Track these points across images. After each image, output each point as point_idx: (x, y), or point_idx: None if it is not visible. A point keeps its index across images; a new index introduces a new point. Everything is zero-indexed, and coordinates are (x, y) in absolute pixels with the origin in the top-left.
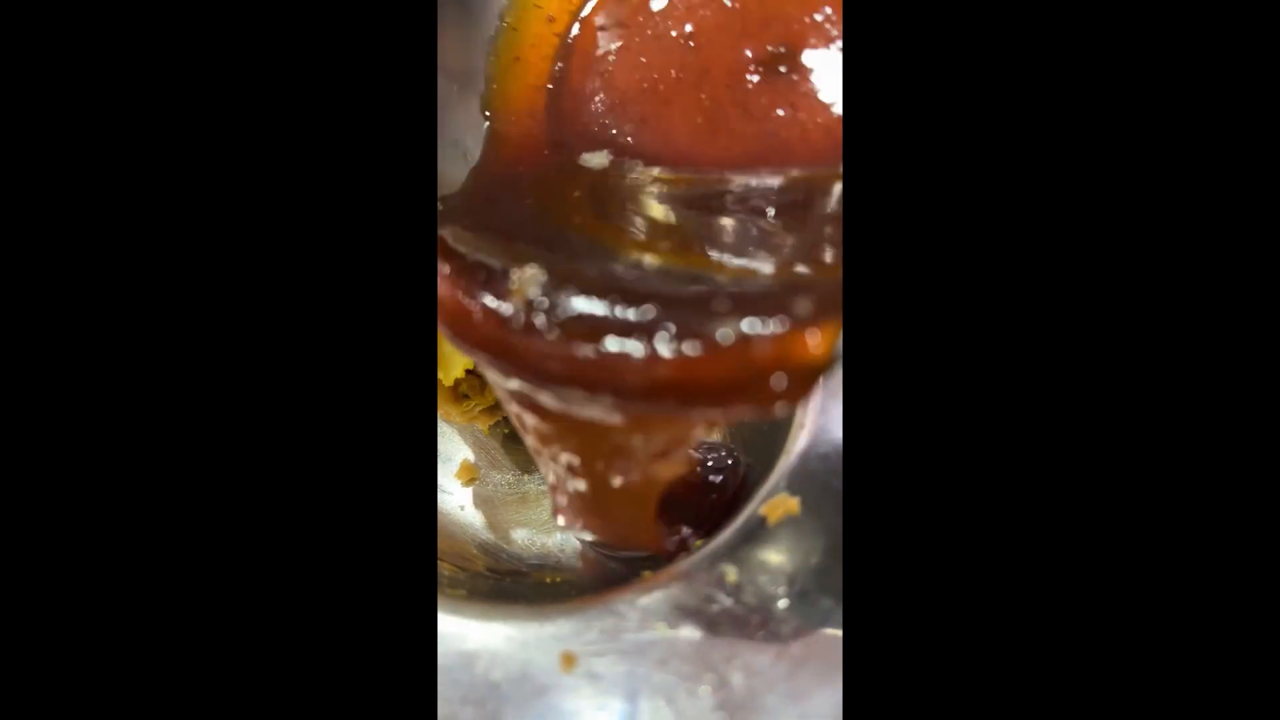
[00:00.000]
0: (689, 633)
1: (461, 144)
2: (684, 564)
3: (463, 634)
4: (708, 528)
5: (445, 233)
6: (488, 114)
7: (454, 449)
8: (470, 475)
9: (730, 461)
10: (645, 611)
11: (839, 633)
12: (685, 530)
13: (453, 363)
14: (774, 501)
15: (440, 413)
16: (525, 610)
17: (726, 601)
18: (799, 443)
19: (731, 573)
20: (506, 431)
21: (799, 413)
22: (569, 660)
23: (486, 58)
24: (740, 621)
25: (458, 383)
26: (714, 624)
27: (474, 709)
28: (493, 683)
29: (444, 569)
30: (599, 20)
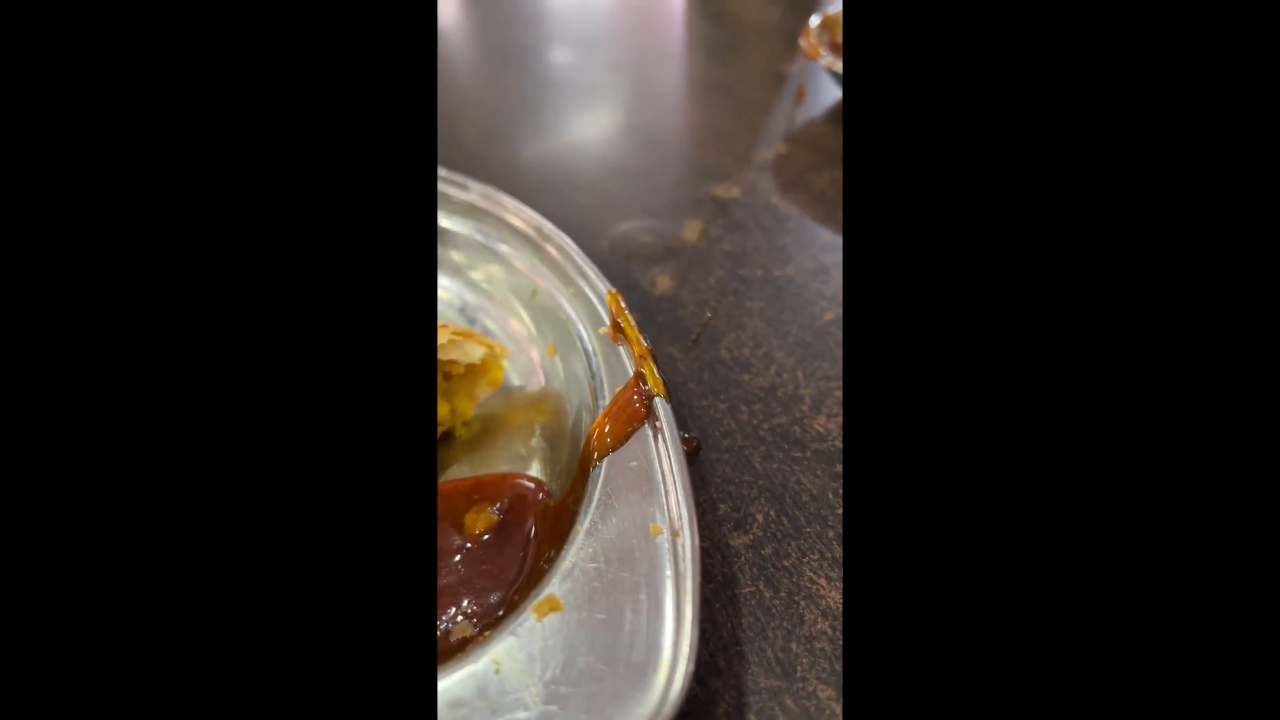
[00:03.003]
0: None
1: None
2: (465, 655)
3: None
4: (479, 616)
5: None
6: None
7: None
8: None
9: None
10: None
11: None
12: (447, 620)
13: None
14: (541, 601)
15: None
16: None
17: (493, 691)
18: (574, 544)
19: (497, 664)
20: None
21: (582, 512)
22: None
23: None
24: (498, 707)
25: None
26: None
27: None
28: None
29: None
30: None
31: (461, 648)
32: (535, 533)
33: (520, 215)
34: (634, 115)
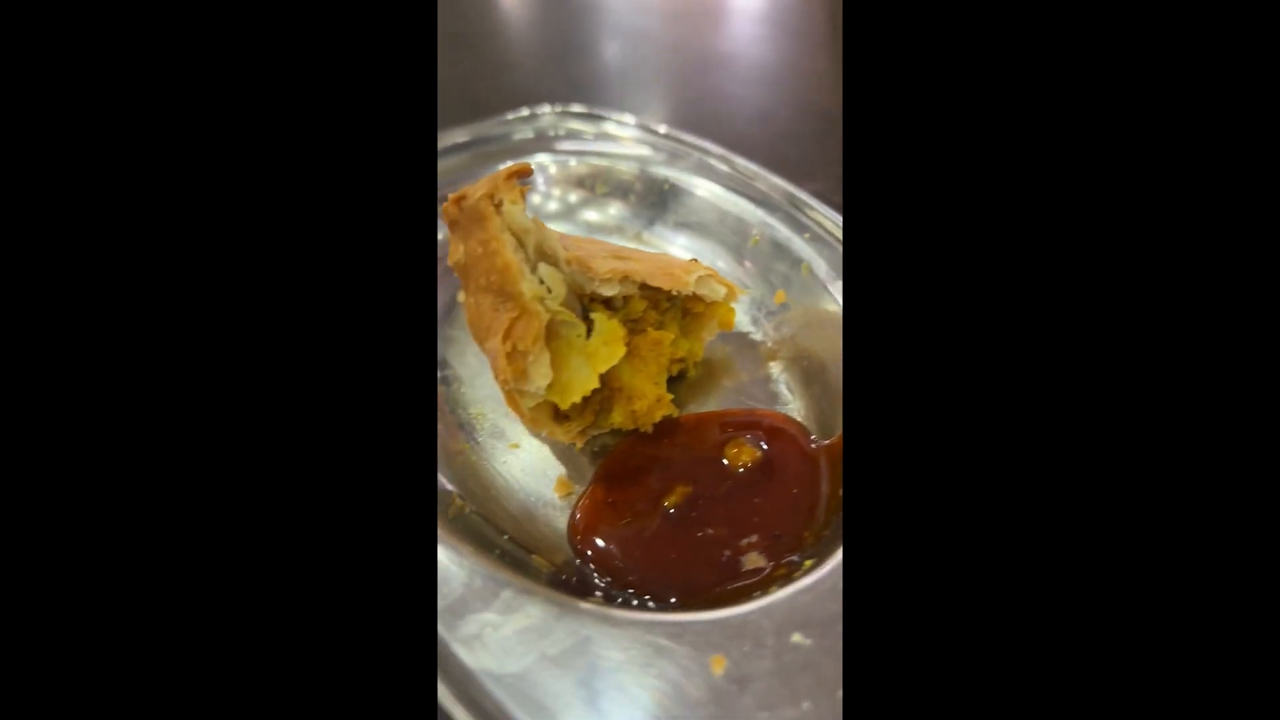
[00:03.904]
0: (820, 639)
1: None
2: (808, 579)
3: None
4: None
5: None
6: None
7: (551, 466)
8: (566, 489)
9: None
10: (781, 623)
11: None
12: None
13: (572, 389)
14: None
15: (546, 430)
16: (666, 612)
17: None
18: None
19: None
20: (595, 449)
21: None
22: (719, 663)
23: None
24: None
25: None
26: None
27: None
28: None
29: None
30: None
31: (762, 581)
32: (823, 472)
33: (734, 164)
34: (790, 89)
